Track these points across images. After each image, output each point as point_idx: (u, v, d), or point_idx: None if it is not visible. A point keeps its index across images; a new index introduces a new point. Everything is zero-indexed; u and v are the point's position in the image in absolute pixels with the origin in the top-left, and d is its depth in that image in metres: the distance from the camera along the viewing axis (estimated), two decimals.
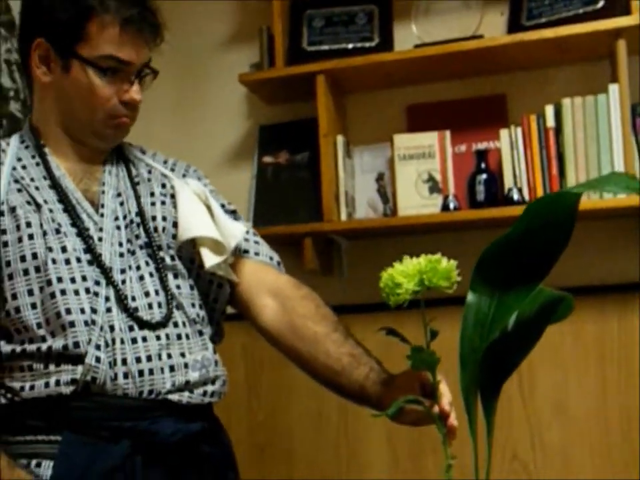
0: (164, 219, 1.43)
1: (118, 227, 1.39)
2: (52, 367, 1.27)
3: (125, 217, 1.41)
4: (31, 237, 1.31)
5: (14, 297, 1.29)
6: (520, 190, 2.05)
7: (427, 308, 2.36)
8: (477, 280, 1.15)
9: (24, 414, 1.28)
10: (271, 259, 1.55)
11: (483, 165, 2.12)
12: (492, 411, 1.19)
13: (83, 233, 1.35)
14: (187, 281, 1.42)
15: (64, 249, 1.32)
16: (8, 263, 1.30)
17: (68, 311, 1.28)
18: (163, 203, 1.45)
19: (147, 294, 1.35)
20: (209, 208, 1.48)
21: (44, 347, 1.27)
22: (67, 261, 1.31)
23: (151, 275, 1.37)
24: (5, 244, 1.31)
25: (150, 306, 1.34)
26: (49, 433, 1.27)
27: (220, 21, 2.49)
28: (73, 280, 1.30)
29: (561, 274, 2.07)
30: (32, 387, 1.27)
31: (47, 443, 1.27)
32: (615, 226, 2.13)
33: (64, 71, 1.35)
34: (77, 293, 1.30)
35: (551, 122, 2.06)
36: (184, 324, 1.37)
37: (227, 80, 2.39)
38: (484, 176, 2.10)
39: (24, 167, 1.39)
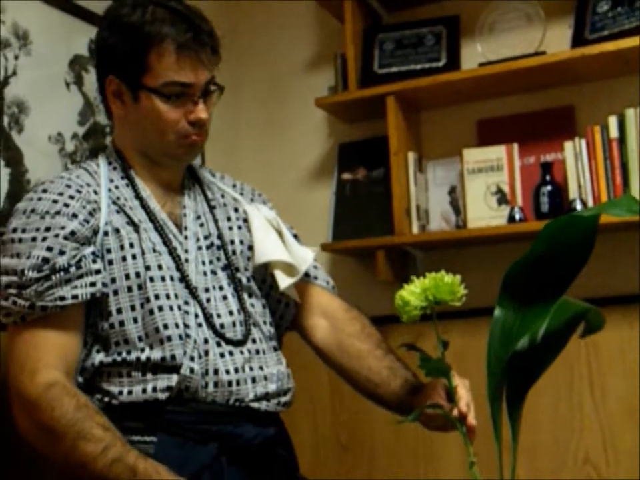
0: (241, 242, 1.57)
1: (200, 248, 1.51)
2: (149, 375, 1.39)
3: (205, 238, 1.52)
4: (133, 256, 1.42)
5: (119, 311, 1.41)
6: (583, 201, 2.09)
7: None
8: (503, 296, 1.26)
9: (121, 416, 1.37)
10: (327, 282, 1.71)
11: (547, 177, 2.16)
12: (517, 418, 1.26)
13: (172, 252, 1.46)
14: (260, 300, 1.57)
15: (160, 267, 1.43)
16: (113, 280, 1.41)
17: (165, 326, 1.40)
18: (239, 227, 1.58)
19: (230, 313, 1.49)
20: (279, 233, 1.61)
21: (143, 357, 1.39)
22: (163, 279, 1.43)
23: (232, 295, 1.51)
24: (110, 262, 1.42)
25: (233, 324, 1.48)
26: (144, 434, 1.38)
27: (300, 46, 2.64)
28: (167, 297, 1.42)
29: (625, 282, 2.13)
30: (130, 392, 1.38)
31: (142, 444, 1.37)
32: None
33: (134, 101, 1.45)
34: (171, 308, 1.41)
35: (614, 133, 2.09)
36: (260, 340, 1.52)
37: (308, 102, 2.50)
38: (548, 187, 2.15)
39: (117, 187, 1.49)
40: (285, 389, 1.52)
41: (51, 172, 1.87)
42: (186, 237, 1.50)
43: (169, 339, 1.40)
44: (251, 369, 1.47)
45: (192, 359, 1.41)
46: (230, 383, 1.43)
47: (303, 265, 1.58)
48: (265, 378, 1.48)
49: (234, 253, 1.55)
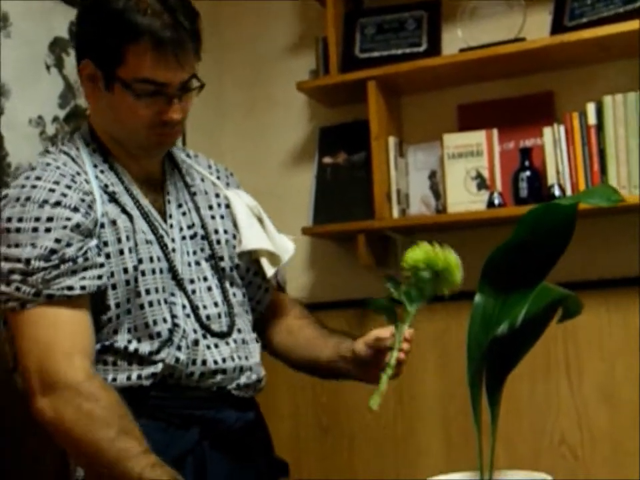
0: (225, 232, 1.56)
1: (184, 238, 1.49)
2: (135, 365, 1.39)
3: (189, 228, 1.51)
4: (130, 250, 1.40)
5: (117, 305, 1.39)
6: (562, 186, 2.12)
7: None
8: (483, 282, 1.28)
9: None
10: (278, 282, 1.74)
11: (527, 163, 2.19)
12: (496, 402, 1.27)
13: (160, 242, 1.45)
14: (241, 290, 1.57)
15: (151, 259, 1.42)
16: (112, 274, 1.39)
17: (155, 322, 1.40)
18: (222, 216, 1.57)
19: (215, 304, 1.49)
20: (260, 220, 1.62)
21: (131, 348, 1.39)
22: (153, 271, 1.42)
23: (216, 286, 1.51)
24: (107, 255, 1.39)
25: (219, 315, 1.49)
26: None
27: (282, 30, 2.64)
28: (157, 290, 1.41)
29: (604, 267, 2.16)
30: (114, 379, 1.38)
31: None
32: None
33: (107, 90, 1.40)
34: (159, 303, 1.41)
35: (592, 119, 2.11)
36: (244, 330, 1.53)
37: (289, 85, 2.50)
38: (527, 173, 2.17)
39: (102, 172, 1.45)
40: (261, 377, 1.55)
41: (32, 156, 1.85)
42: (171, 226, 1.49)
43: (159, 334, 1.40)
44: (239, 358, 1.48)
45: (179, 348, 1.41)
46: (215, 372, 1.45)
47: (285, 254, 1.61)
48: (250, 368, 1.51)
49: (218, 242, 1.54)
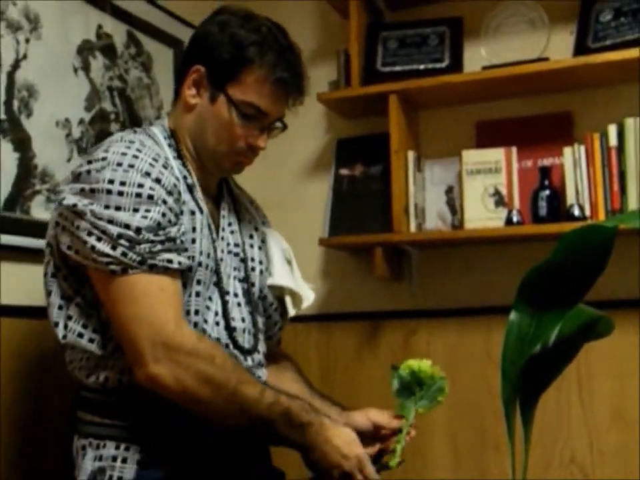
0: (260, 262, 1.65)
1: (230, 252, 1.57)
2: None
3: (235, 246, 1.59)
4: (200, 241, 1.48)
5: (184, 286, 1.46)
6: (581, 206, 2.12)
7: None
8: (519, 301, 1.27)
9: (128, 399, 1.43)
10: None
11: (546, 182, 2.19)
12: (529, 420, 1.30)
13: (214, 246, 1.52)
14: (263, 318, 1.65)
15: (208, 255, 1.50)
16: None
17: (196, 312, 1.46)
18: (260, 248, 1.66)
19: (242, 320, 1.55)
20: (289, 263, 1.71)
21: None
22: (207, 266, 1.49)
23: (245, 305, 1.57)
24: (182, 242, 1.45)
25: (244, 331, 1.55)
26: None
27: (302, 40, 2.61)
28: (204, 284, 1.48)
29: (616, 287, 2.17)
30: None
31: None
32: None
33: (210, 100, 1.50)
34: (202, 297, 1.48)
35: (613, 141, 2.12)
36: (263, 354, 1.60)
37: (309, 96, 2.48)
38: (547, 192, 2.18)
39: (180, 165, 1.52)
40: None
41: (58, 158, 1.87)
42: (222, 238, 1.56)
43: (195, 325, 1.45)
44: (253, 374, 1.51)
45: None
46: None
47: (305, 302, 1.70)
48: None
49: (252, 269, 1.62)
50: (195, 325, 1.46)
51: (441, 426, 2.35)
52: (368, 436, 1.57)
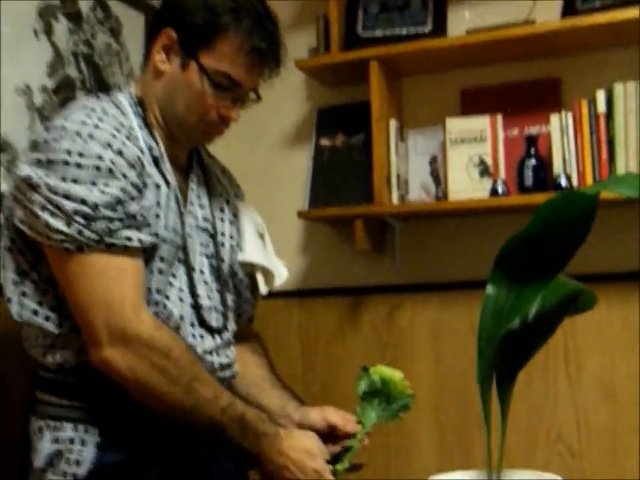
0: (231, 237, 1.57)
1: (197, 227, 1.49)
2: None
3: (204, 220, 1.51)
4: (164, 216, 1.40)
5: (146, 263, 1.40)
6: (568, 176, 2.05)
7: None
8: (496, 273, 1.20)
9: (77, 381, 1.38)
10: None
11: (532, 150, 2.12)
12: (506, 399, 1.23)
13: (181, 221, 1.44)
14: (232, 296, 1.58)
15: (175, 231, 1.42)
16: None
17: (158, 291, 1.39)
18: (231, 222, 1.58)
19: (209, 297, 1.48)
20: (262, 238, 1.63)
21: None
22: (173, 242, 1.42)
23: (212, 282, 1.50)
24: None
25: (211, 309, 1.48)
26: None
27: (281, 5, 2.54)
28: (168, 262, 1.41)
29: (603, 260, 2.10)
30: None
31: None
32: None
33: (181, 67, 1.42)
34: (165, 274, 1.40)
35: (602, 107, 2.04)
36: (232, 332, 1.54)
37: (288, 64, 2.42)
38: (533, 161, 2.10)
39: (146, 135, 1.44)
40: (235, 373, 1.56)
41: (18, 126, 1.78)
42: (190, 213, 1.48)
43: (156, 303, 1.39)
44: (219, 355, 1.48)
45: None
46: None
47: (278, 279, 1.62)
48: (229, 366, 1.51)
49: (222, 244, 1.54)
50: (156, 303, 1.39)
51: (426, 403, 2.29)
52: (322, 435, 1.50)
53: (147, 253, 1.38)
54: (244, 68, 1.42)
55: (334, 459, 1.42)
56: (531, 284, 1.16)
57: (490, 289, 1.20)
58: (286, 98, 2.50)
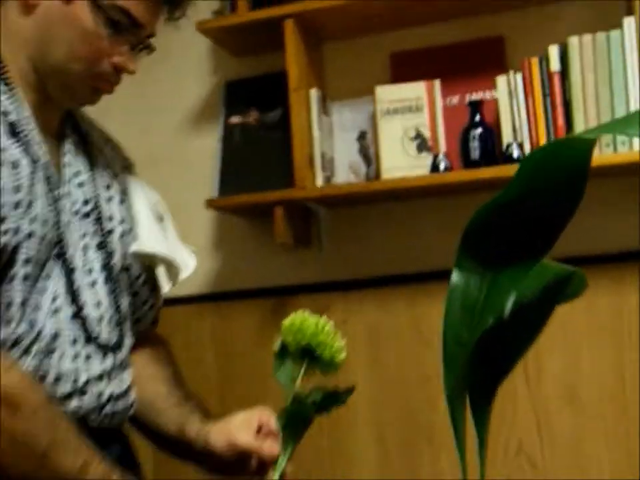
0: (122, 221, 1.30)
1: (76, 213, 1.22)
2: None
3: (85, 203, 1.24)
4: (28, 204, 1.12)
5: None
6: (521, 145, 1.86)
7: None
8: (463, 256, 0.94)
9: None
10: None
11: (477, 118, 1.93)
12: (484, 422, 1.00)
13: (56, 207, 1.18)
14: (128, 297, 1.30)
15: (45, 223, 1.15)
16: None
17: (22, 304, 1.12)
18: (121, 201, 1.31)
19: (98, 304, 1.22)
20: (160, 221, 1.36)
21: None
22: (42, 239, 1.14)
23: (104, 282, 1.24)
24: None
25: (100, 319, 1.21)
26: None
27: None
28: (37, 264, 1.13)
29: (568, 241, 1.89)
30: None
31: None
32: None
33: (63, 1, 1.16)
34: (33, 280, 1.13)
35: (555, 65, 1.86)
36: (128, 349, 1.28)
37: (188, 28, 2.16)
38: (479, 130, 1.91)
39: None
40: (132, 403, 1.29)
41: None
42: (67, 194, 1.21)
43: (21, 320, 1.12)
44: (110, 380, 1.21)
45: (27, 352, 1.11)
46: (72, 394, 1.16)
47: (185, 272, 1.36)
48: (123, 395, 1.25)
49: (110, 232, 1.27)
50: (20, 320, 1.10)
51: (364, 416, 2.08)
52: (231, 465, 1.25)
53: (4, 258, 1.08)
54: (146, 6, 1.20)
55: None
56: (509, 269, 0.92)
57: (456, 277, 0.94)
58: (189, 70, 2.30)
